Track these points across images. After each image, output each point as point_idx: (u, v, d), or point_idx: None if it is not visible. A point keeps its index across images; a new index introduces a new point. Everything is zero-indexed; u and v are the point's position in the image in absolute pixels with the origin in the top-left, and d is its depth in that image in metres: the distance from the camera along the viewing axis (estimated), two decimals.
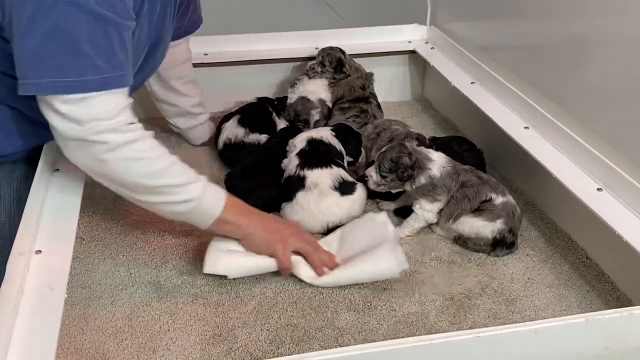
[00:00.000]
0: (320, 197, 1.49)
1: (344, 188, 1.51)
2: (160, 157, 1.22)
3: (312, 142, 1.59)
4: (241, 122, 1.79)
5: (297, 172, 1.52)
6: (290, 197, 1.51)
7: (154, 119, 1.86)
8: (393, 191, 1.53)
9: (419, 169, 1.46)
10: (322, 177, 1.51)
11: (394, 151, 1.48)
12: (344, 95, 1.94)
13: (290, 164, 1.55)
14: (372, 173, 1.50)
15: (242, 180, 1.59)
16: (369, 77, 1.99)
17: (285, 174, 1.55)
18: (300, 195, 1.49)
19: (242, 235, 1.32)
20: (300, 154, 1.56)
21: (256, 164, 1.64)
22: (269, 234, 1.33)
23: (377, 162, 1.49)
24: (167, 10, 1.40)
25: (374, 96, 1.96)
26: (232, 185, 1.57)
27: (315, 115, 1.89)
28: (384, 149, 1.50)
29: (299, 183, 1.51)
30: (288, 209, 1.51)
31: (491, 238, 1.45)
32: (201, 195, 1.25)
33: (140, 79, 1.44)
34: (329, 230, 1.49)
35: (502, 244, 1.45)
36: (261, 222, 1.34)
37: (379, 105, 1.96)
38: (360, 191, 1.54)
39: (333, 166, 1.54)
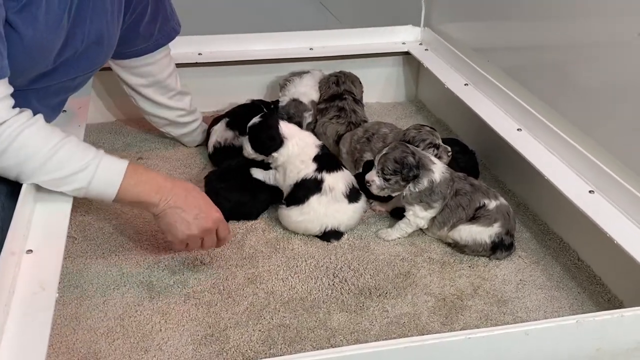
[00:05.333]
0: (332, 202, 1.49)
1: (352, 196, 1.52)
2: (36, 152, 1.17)
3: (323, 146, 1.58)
4: (230, 125, 1.78)
5: (315, 175, 1.50)
6: (302, 199, 1.49)
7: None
8: (393, 195, 1.52)
9: (423, 169, 1.46)
10: (337, 182, 1.50)
11: (396, 152, 1.46)
12: (321, 93, 1.93)
13: (308, 168, 1.51)
14: (374, 178, 1.49)
15: (218, 181, 1.59)
16: (348, 75, 1.96)
17: (300, 176, 1.52)
18: (314, 199, 1.49)
19: (153, 213, 1.28)
20: (316, 158, 1.53)
21: (236, 168, 1.62)
22: (187, 212, 1.27)
23: (378, 165, 1.48)
24: (100, 6, 1.34)
25: (350, 92, 1.91)
26: (210, 186, 1.58)
27: (307, 118, 1.89)
28: (384, 151, 1.48)
29: (315, 186, 1.49)
30: (295, 210, 1.50)
31: (490, 243, 1.45)
32: (89, 184, 1.21)
33: (73, 73, 1.39)
34: (325, 233, 1.50)
35: (501, 247, 1.45)
36: (168, 199, 1.27)
37: (355, 100, 1.91)
38: (362, 201, 1.55)
39: (344, 169, 1.55)
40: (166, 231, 1.29)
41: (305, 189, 1.50)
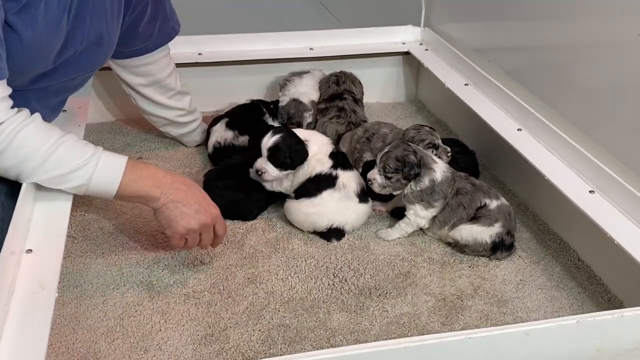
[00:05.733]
0: (343, 199, 1.50)
1: (363, 196, 1.53)
2: (35, 151, 1.17)
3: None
4: (229, 125, 1.78)
5: (330, 171, 1.51)
6: (314, 192, 1.50)
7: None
8: (395, 193, 1.53)
9: (425, 167, 1.46)
10: (350, 180, 1.51)
11: (398, 150, 1.47)
12: (321, 92, 1.93)
13: (324, 165, 1.52)
14: (375, 176, 1.49)
15: (216, 179, 1.59)
16: (349, 75, 1.96)
17: (314, 173, 1.52)
18: (327, 193, 1.49)
19: (154, 207, 1.28)
20: (332, 155, 1.54)
21: (236, 167, 1.62)
22: (187, 207, 1.28)
23: (380, 163, 1.48)
24: (99, 6, 1.34)
25: (350, 92, 1.91)
26: (207, 184, 1.58)
27: (308, 118, 1.90)
28: (386, 149, 1.49)
29: (329, 181, 1.50)
30: (305, 202, 1.50)
31: (490, 242, 1.44)
32: (89, 181, 1.21)
33: (73, 73, 1.39)
34: (329, 231, 1.50)
35: (501, 247, 1.45)
36: (169, 194, 1.27)
37: (355, 100, 1.91)
38: (370, 203, 1.56)
39: (354, 169, 1.57)
40: (166, 226, 1.29)
41: (319, 183, 1.51)
